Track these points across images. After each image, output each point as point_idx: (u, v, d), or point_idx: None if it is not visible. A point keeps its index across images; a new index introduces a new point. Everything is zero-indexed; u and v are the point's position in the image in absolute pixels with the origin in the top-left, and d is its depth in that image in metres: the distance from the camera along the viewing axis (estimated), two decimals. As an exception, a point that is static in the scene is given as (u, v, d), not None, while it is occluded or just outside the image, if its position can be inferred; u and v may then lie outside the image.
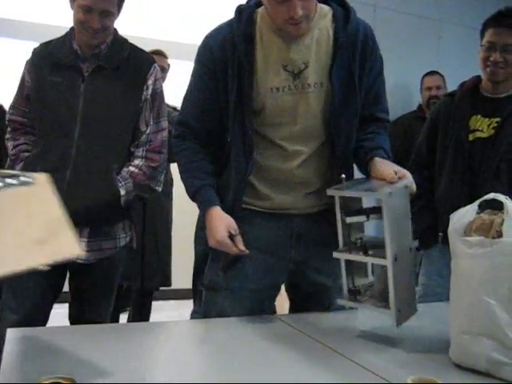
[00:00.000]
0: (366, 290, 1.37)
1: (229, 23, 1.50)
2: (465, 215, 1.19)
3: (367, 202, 1.38)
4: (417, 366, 1.17)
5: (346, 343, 1.28)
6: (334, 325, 1.33)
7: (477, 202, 1.20)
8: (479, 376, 1.11)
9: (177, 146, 1.58)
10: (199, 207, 1.54)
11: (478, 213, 1.19)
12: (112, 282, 1.94)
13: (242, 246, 1.44)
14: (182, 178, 1.57)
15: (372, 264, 1.38)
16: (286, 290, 1.68)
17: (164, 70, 3.22)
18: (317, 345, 1.28)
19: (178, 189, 3.32)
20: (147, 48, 2.16)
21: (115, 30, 1.89)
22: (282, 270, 1.57)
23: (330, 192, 1.36)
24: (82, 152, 1.78)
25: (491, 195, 1.16)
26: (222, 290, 1.54)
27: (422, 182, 2.13)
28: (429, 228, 2.16)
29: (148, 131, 1.86)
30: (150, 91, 1.85)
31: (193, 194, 1.52)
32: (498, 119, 2.12)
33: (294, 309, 1.71)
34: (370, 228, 1.41)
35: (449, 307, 1.20)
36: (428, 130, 2.34)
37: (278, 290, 1.64)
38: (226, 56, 1.45)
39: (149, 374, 1.12)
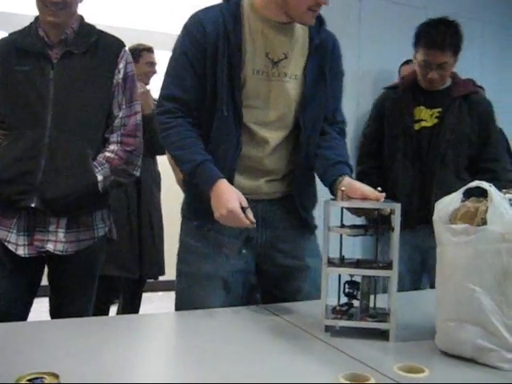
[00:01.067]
0: (349, 309, 1.34)
1: (217, 5, 1.54)
2: (450, 203, 1.19)
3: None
4: (403, 353, 1.18)
5: (333, 333, 1.28)
6: (318, 314, 1.33)
7: (461, 190, 1.20)
8: (465, 362, 1.12)
9: (166, 123, 1.51)
10: (202, 182, 1.47)
11: (462, 201, 1.19)
12: (92, 274, 1.91)
13: (253, 218, 1.41)
14: (175, 154, 1.53)
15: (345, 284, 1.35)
16: (255, 276, 1.67)
17: (153, 64, 3.24)
18: (304, 334, 1.28)
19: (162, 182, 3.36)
20: (130, 39, 2.14)
21: (81, 16, 1.87)
22: (252, 256, 1.60)
23: (340, 204, 1.34)
24: (56, 139, 1.75)
25: (475, 183, 1.17)
26: (199, 280, 1.56)
27: (373, 170, 2.47)
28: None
29: (121, 115, 1.84)
30: (121, 75, 1.84)
31: (193, 169, 1.46)
32: (439, 109, 2.37)
33: (264, 294, 1.71)
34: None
35: (429, 295, 1.20)
36: (374, 121, 2.53)
37: (252, 275, 1.65)
38: (217, 31, 1.48)
39: (136, 368, 1.11)
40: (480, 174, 2.33)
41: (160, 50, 3.24)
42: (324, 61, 1.57)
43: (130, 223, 3.03)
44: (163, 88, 1.55)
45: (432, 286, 2.56)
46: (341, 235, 1.36)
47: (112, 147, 1.83)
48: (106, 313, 3.18)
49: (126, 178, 1.90)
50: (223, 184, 1.45)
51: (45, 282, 1.90)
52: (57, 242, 1.76)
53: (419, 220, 2.30)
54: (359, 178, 2.39)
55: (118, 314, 3.31)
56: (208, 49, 1.48)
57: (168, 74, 1.55)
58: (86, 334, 1.27)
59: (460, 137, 2.37)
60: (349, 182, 1.48)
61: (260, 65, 1.51)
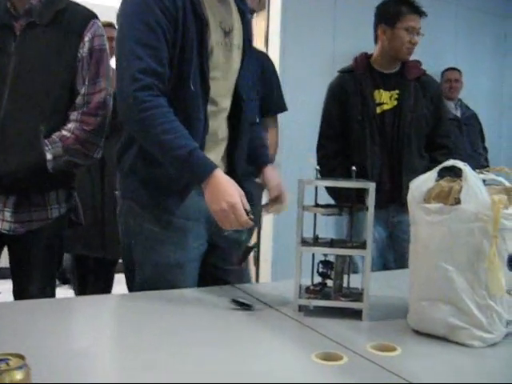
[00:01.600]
0: (323, 288, 1.33)
1: None
2: (424, 182, 1.19)
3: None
4: (376, 332, 1.18)
5: (306, 312, 1.27)
6: (291, 293, 1.32)
7: (436, 169, 1.20)
8: (436, 340, 1.12)
9: (148, 101, 1.37)
10: (196, 171, 1.37)
11: (437, 180, 1.19)
12: (50, 255, 1.83)
13: (252, 215, 1.34)
14: (162, 139, 1.37)
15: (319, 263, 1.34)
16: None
17: (113, 39, 3.12)
18: (277, 314, 1.27)
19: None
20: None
21: None
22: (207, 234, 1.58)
23: (315, 183, 1.31)
24: (10, 115, 1.66)
25: (450, 162, 1.17)
26: (171, 269, 1.51)
27: (336, 153, 2.55)
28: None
29: (83, 92, 1.73)
30: (86, 49, 1.73)
31: (186, 156, 1.34)
32: (397, 91, 2.49)
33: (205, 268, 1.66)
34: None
35: (401, 274, 1.20)
36: (333, 105, 2.58)
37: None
38: (185, 5, 1.44)
39: (102, 349, 1.09)
40: (436, 150, 2.53)
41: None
42: (251, 33, 1.67)
43: (94, 203, 3.01)
44: (135, 59, 1.39)
45: (396, 261, 2.67)
46: (315, 214, 1.35)
47: (70, 125, 1.73)
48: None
49: (82, 159, 1.78)
50: (221, 173, 1.36)
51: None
52: (4, 221, 1.69)
53: (391, 200, 2.40)
54: (322, 163, 2.54)
55: (88, 294, 3.30)
56: (179, 21, 1.43)
57: (139, 44, 1.39)
58: (52, 315, 1.24)
59: (419, 117, 2.49)
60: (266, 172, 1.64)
61: (219, 35, 1.51)
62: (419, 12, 2.48)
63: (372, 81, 2.52)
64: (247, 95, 1.61)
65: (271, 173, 1.66)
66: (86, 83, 1.73)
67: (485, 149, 4.26)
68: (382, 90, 2.50)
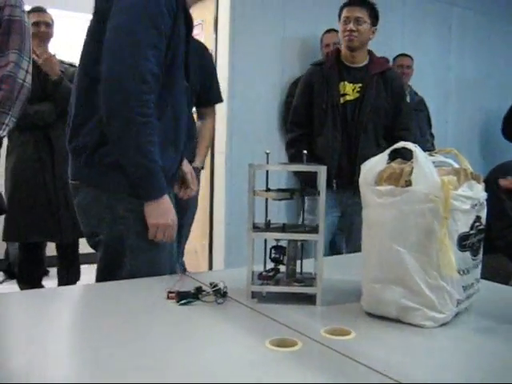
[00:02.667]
0: (275, 274, 1.32)
1: None
2: (375, 165, 1.19)
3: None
4: (330, 317, 1.18)
5: (259, 299, 1.25)
6: (244, 280, 1.30)
7: (387, 152, 1.20)
8: (389, 323, 1.13)
9: (150, 108, 1.38)
10: (155, 185, 1.42)
11: (388, 162, 1.19)
12: None
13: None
14: (142, 145, 1.37)
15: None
16: None
17: (48, 25, 3.06)
18: (229, 301, 1.25)
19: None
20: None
21: None
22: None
23: (265, 167, 1.29)
24: None
25: (401, 144, 1.17)
26: (165, 254, 1.54)
27: (303, 137, 2.78)
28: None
29: None
30: None
31: (157, 171, 1.40)
32: (360, 84, 2.70)
33: None
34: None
35: (353, 258, 1.20)
36: (303, 95, 2.81)
37: None
38: (178, 2, 1.45)
39: (53, 340, 1.04)
40: (393, 141, 2.53)
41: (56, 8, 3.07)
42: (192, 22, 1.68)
43: (47, 189, 3.01)
44: (144, 59, 1.36)
45: (347, 243, 2.89)
46: (266, 199, 1.33)
47: None
48: (38, 284, 3.11)
49: None
50: (168, 199, 1.47)
51: None
52: None
53: (349, 181, 2.61)
54: (291, 145, 2.83)
55: (59, 284, 3.28)
56: (177, 17, 1.43)
57: (149, 45, 1.38)
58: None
59: (378, 109, 2.70)
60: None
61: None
62: (356, 3, 2.71)
63: (338, 73, 2.73)
64: (195, 87, 1.67)
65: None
66: None
67: (431, 135, 4.36)
68: (346, 83, 2.72)
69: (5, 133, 1.68)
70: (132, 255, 1.48)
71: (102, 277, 1.53)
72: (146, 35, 1.38)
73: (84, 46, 1.50)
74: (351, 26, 2.68)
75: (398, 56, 4.24)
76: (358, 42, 2.70)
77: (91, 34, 1.47)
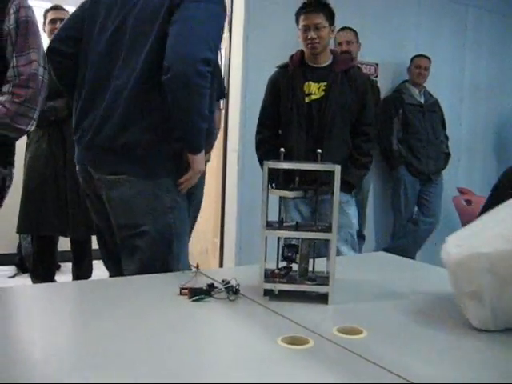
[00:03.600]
0: (288, 272, 1.31)
1: None
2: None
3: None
4: (342, 316, 1.18)
5: (271, 297, 1.26)
6: (256, 278, 1.31)
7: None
8: (401, 322, 1.12)
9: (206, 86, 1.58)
10: (202, 141, 1.64)
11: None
12: None
13: None
14: (202, 109, 1.58)
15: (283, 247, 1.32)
16: None
17: (56, 21, 3.11)
18: (242, 299, 1.25)
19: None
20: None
21: None
22: None
23: (279, 165, 1.27)
24: None
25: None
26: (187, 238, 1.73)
27: (269, 138, 2.85)
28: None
29: (14, 64, 1.72)
30: (12, 21, 1.70)
31: (205, 131, 1.62)
32: (324, 83, 2.74)
33: None
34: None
35: (362, 258, 1.19)
36: (270, 95, 2.87)
37: None
38: None
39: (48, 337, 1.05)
40: (358, 136, 2.80)
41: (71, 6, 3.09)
42: None
43: (57, 184, 3.05)
44: (204, 50, 1.54)
45: None
46: (280, 197, 1.33)
47: (1, 98, 1.71)
48: (50, 279, 3.14)
49: (12, 133, 1.77)
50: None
51: None
52: None
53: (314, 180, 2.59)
54: (257, 147, 2.90)
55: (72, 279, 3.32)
56: None
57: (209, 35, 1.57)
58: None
59: (343, 106, 2.74)
60: None
61: None
62: (312, 9, 2.71)
63: (302, 74, 2.77)
64: None
65: None
66: (17, 55, 1.72)
67: (446, 136, 4.34)
68: (311, 82, 2.75)
69: (33, 127, 1.79)
70: (178, 242, 1.65)
71: (147, 264, 1.61)
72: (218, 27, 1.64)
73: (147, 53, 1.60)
74: (312, 34, 2.70)
75: (416, 56, 4.20)
76: (321, 47, 2.73)
77: (157, 42, 1.58)
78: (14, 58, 1.71)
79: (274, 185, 1.33)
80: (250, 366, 0.91)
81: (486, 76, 4.87)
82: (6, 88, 1.70)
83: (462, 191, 4.55)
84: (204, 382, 0.84)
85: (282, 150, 1.35)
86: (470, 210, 4.17)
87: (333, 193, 1.24)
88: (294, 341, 1.00)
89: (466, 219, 3.26)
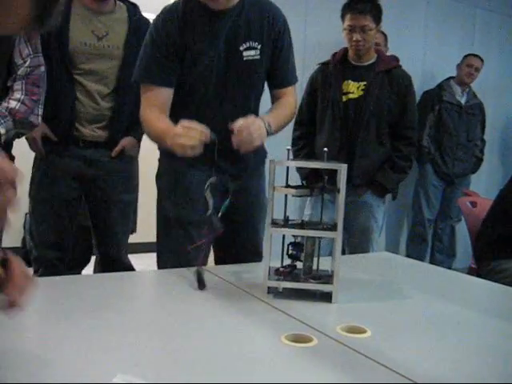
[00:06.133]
0: (292, 270, 1.31)
1: None
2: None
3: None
4: (346, 315, 1.18)
5: (275, 294, 1.25)
6: (260, 275, 1.30)
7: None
8: (405, 322, 1.12)
9: None
10: None
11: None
12: None
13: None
14: None
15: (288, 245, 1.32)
16: None
17: None
18: (246, 296, 1.25)
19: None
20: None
21: None
22: None
23: (286, 163, 1.27)
24: None
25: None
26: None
27: (304, 135, 2.82)
28: (313, 172, 2.50)
29: (27, 64, 1.83)
30: None
31: None
32: (364, 83, 2.68)
33: None
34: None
35: (367, 258, 1.19)
36: (308, 93, 2.84)
37: None
38: None
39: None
40: (399, 139, 2.71)
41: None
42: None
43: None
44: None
45: (347, 241, 2.72)
46: (285, 196, 1.33)
47: (18, 95, 1.81)
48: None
49: (27, 129, 1.90)
50: None
51: None
52: None
53: (347, 181, 2.50)
54: (293, 143, 2.84)
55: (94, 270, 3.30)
56: None
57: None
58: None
59: (381, 107, 2.67)
60: None
61: None
62: (359, 11, 2.59)
63: (342, 72, 2.72)
64: None
65: None
66: (31, 56, 1.84)
67: (482, 140, 4.21)
68: (350, 81, 2.71)
69: (39, 121, 1.90)
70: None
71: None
72: None
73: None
74: (357, 36, 2.62)
75: (468, 55, 4.09)
76: (365, 48, 2.67)
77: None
78: (29, 59, 1.82)
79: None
80: (253, 362, 0.91)
81: (495, 77, 4.85)
82: (18, 85, 1.81)
83: (467, 193, 4.53)
84: (206, 378, 0.84)
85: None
86: (476, 212, 4.14)
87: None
88: (297, 339, 1.00)
89: (471, 222, 3.23)
